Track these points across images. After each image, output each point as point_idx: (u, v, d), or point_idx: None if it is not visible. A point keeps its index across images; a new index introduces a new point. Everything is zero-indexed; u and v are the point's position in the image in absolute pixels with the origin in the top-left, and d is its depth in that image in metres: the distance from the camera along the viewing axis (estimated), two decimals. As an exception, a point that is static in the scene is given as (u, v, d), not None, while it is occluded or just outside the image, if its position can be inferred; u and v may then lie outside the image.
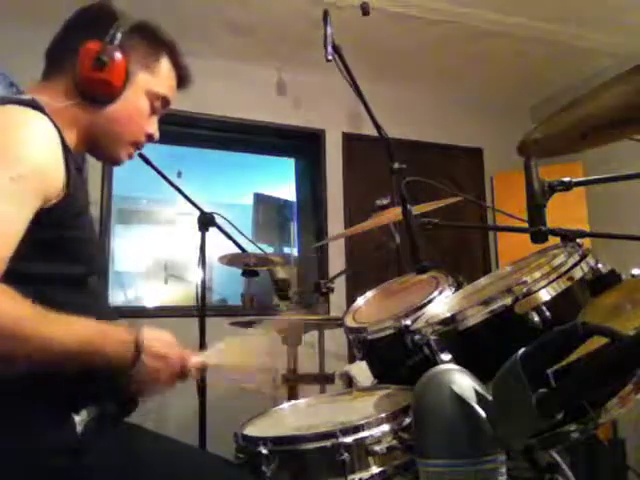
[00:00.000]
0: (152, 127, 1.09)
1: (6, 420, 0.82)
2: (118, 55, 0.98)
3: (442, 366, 0.90)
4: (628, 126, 0.93)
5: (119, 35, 0.99)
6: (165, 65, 1.07)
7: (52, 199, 0.87)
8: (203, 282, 2.01)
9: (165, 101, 1.09)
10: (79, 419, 0.87)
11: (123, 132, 1.05)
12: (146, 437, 1.04)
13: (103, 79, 0.98)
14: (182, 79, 1.11)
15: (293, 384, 2.39)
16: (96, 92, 0.99)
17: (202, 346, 2.09)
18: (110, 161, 1.10)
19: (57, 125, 0.90)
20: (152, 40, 1.06)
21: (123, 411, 1.00)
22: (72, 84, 0.99)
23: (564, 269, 1.04)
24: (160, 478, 0.93)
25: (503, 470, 0.81)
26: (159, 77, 1.06)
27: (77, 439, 0.87)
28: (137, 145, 1.09)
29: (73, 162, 0.92)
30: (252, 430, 1.10)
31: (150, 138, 1.10)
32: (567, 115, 0.92)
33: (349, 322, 1.44)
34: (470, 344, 1.05)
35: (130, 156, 1.10)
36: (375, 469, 0.94)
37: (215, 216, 2.01)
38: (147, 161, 1.84)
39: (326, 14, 1.38)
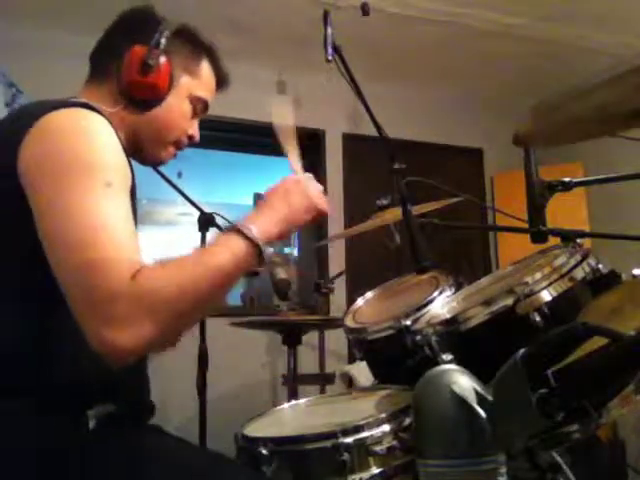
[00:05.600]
0: (193, 129, 1.11)
1: (17, 411, 0.82)
2: (163, 59, 1.01)
3: (442, 366, 0.90)
4: (623, 122, 0.93)
5: (164, 39, 1.01)
6: (205, 68, 1.10)
7: None
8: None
9: (205, 104, 1.11)
10: (92, 414, 0.87)
11: (167, 134, 1.07)
12: (163, 440, 1.02)
13: (150, 83, 1.00)
14: (221, 82, 1.14)
15: (293, 384, 2.39)
16: (142, 96, 1.01)
17: (202, 347, 2.10)
18: (152, 162, 1.12)
19: (114, 127, 0.92)
20: (193, 44, 1.08)
21: (140, 412, 1.00)
22: (118, 88, 1.01)
23: (565, 270, 1.03)
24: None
25: (503, 470, 0.81)
26: (200, 80, 1.09)
27: (88, 434, 0.87)
28: (178, 145, 1.11)
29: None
30: (252, 430, 1.09)
31: (191, 139, 1.12)
32: (562, 112, 0.92)
33: (349, 322, 1.44)
34: (471, 344, 1.05)
35: (171, 156, 1.12)
36: (375, 469, 0.93)
37: (215, 216, 2.01)
38: (147, 161, 1.83)
39: (326, 14, 1.38)
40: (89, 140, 0.86)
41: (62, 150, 0.83)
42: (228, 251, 0.84)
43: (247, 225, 0.87)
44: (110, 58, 1.02)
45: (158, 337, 0.77)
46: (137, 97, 1.01)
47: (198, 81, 1.08)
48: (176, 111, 1.06)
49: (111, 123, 0.91)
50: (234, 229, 0.87)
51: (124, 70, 1.00)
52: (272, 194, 0.96)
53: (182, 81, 1.05)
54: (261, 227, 0.88)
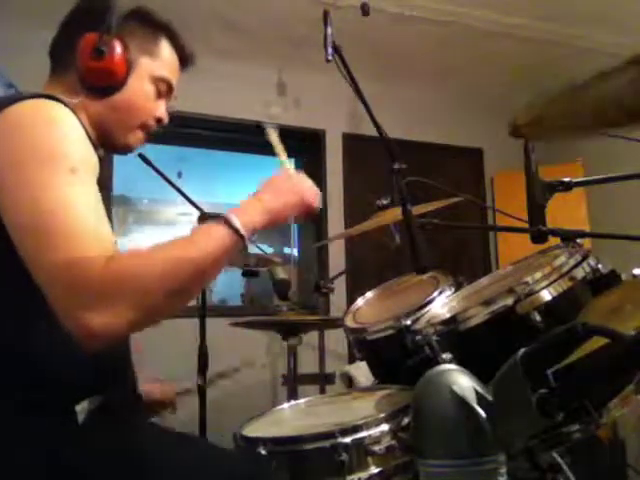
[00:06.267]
0: (160, 111, 1.09)
1: (4, 406, 0.82)
2: (116, 43, 0.99)
3: (442, 366, 0.90)
4: (618, 120, 0.93)
5: (114, 23, 1.00)
6: (165, 47, 1.08)
7: None
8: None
9: (169, 84, 1.09)
10: (80, 408, 0.87)
11: (131, 118, 1.05)
12: (154, 432, 1.03)
13: (105, 68, 0.98)
14: (183, 59, 1.12)
15: (293, 384, 2.39)
16: (100, 82, 1.00)
17: (202, 347, 2.10)
18: (122, 149, 1.10)
19: (79, 118, 0.91)
20: (148, 24, 1.06)
21: (130, 406, 1.00)
22: (76, 79, 1.00)
23: (565, 269, 1.03)
24: (161, 472, 0.92)
25: (503, 470, 0.81)
26: (160, 60, 1.07)
27: (77, 428, 0.86)
28: (146, 129, 1.09)
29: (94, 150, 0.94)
30: (251, 431, 1.09)
31: (159, 122, 1.10)
32: (559, 105, 0.92)
33: (349, 322, 1.44)
34: (471, 344, 1.05)
35: (141, 142, 1.10)
36: (374, 469, 0.93)
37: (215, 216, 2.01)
38: (147, 161, 1.83)
39: (326, 14, 1.37)
40: (51, 129, 0.85)
41: (25, 140, 0.83)
42: (211, 239, 0.85)
43: (231, 215, 0.88)
44: (67, 50, 1.01)
45: (132, 321, 0.77)
46: (95, 84, 1.00)
47: (159, 61, 1.06)
48: (138, 94, 1.04)
49: (76, 114, 0.91)
50: (218, 219, 0.88)
51: (79, 59, 0.98)
52: (263, 187, 0.99)
53: (141, 63, 1.03)
54: (245, 217, 0.89)
